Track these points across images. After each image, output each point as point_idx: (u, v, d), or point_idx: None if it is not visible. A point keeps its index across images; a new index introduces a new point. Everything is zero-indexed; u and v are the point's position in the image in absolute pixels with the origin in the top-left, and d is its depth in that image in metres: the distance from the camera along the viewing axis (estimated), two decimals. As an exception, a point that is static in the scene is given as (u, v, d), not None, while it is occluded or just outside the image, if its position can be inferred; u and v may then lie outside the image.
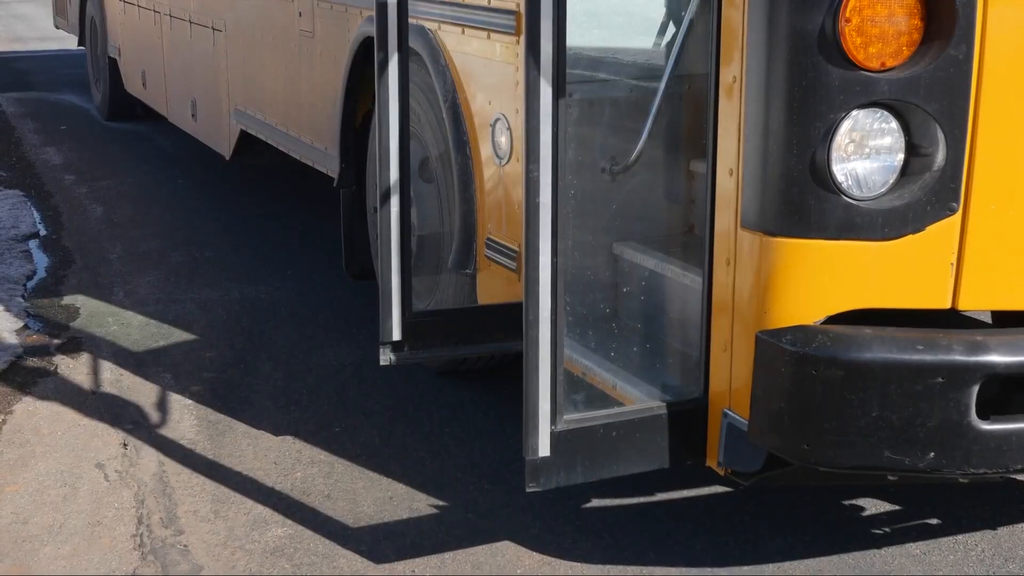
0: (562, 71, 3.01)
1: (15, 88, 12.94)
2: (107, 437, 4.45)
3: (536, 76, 2.97)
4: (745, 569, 3.56)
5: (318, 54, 5.79)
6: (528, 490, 3.18)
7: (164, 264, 6.63)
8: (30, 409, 4.70)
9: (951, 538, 3.75)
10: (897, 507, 3.94)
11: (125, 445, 4.38)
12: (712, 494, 4.01)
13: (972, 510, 3.91)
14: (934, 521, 3.86)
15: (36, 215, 7.75)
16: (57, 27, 13.37)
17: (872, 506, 3.94)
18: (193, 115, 8.11)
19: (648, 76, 4.05)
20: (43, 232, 7.37)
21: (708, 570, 3.55)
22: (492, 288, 4.42)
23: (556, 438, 3.16)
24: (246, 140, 7.10)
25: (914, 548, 3.69)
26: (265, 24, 6.57)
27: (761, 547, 3.68)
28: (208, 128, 7.85)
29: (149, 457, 4.29)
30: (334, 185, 5.54)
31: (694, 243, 3.75)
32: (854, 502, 3.96)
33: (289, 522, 3.83)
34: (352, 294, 5.96)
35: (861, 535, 3.77)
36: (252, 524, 3.82)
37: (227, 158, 7.43)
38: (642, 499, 3.97)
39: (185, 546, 3.69)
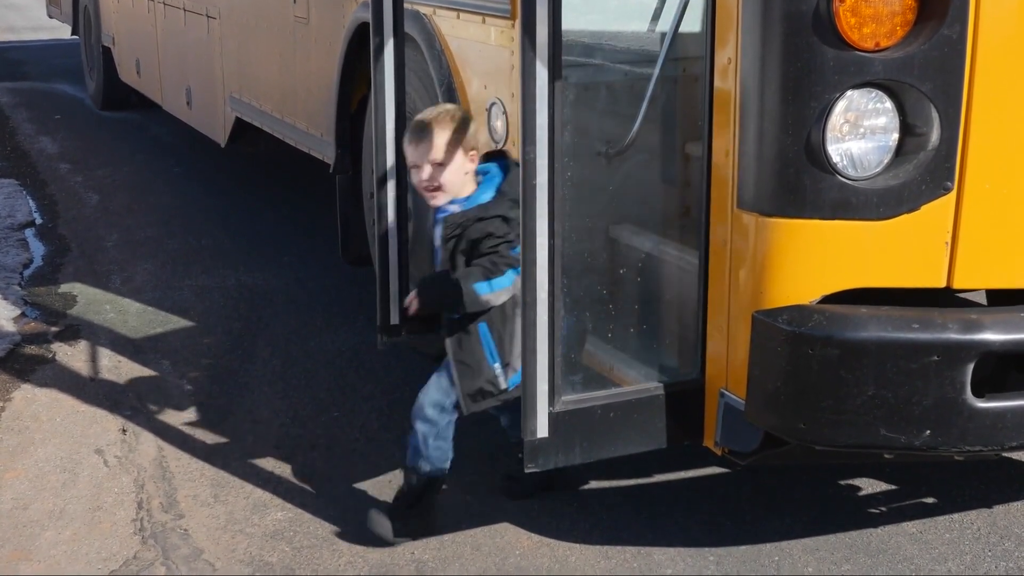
0: (558, 53, 3.02)
1: (9, 78, 12.93)
2: (106, 423, 4.47)
3: (532, 58, 2.98)
4: (743, 548, 3.58)
5: (313, 40, 5.79)
6: (527, 471, 3.20)
7: (161, 252, 6.64)
8: (29, 396, 4.72)
9: (947, 516, 3.77)
10: (893, 486, 3.96)
11: (124, 431, 4.40)
12: (709, 475, 4.03)
13: (968, 489, 3.93)
14: (930, 500, 3.88)
15: (32, 204, 7.76)
16: (51, 16, 13.35)
17: (868, 486, 3.96)
18: (188, 103, 8.11)
19: (643, 58, 4.05)
20: (39, 221, 7.38)
21: (706, 550, 3.57)
22: (489, 272, 4.42)
23: (554, 419, 3.17)
24: (241, 127, 7.10)
25: (910, 527, 3.71)
26: (259, 11, 6.57)
27: (758, 527, 3.70)
28: (203, 116, 7.85)
29: (148, 443, 4.30)
30: (330, 171, 5.55)
31: (690, 225, 3.76)
32: (850, 482, 3.98)
33: (289, 506, 3.84)
34: (349, 280, 5.98)
35: (858, 514, 3.79)
36: (252, 508, 3.83)
37: (222, 146, 7.44)
38: (639, 480, 3.98)
39: (185, 530, 3.71)
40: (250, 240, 6.84)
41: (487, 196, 3.48)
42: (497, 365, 3.49)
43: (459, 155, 3.47)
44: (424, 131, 3.46)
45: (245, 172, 8.50)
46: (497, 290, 3.41)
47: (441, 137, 3.45)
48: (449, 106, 3.64)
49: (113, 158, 9.08)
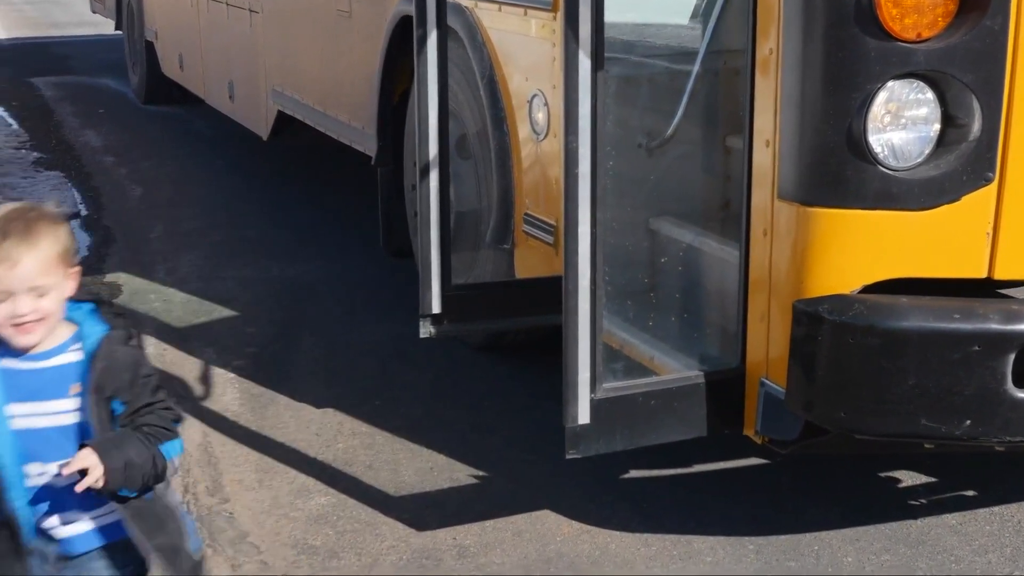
0: (600, 43, 3.05)
1: (54, 72, 13.06)
2: (152, 410, 4.53)
3: (575, 49, 3.01)
4: (783, 538, 3.60)
5: (355, 33, 5.84)
6: (568, 457, 3.22)
7: (204, 243, 6.72)
8: (76, 383, 4.79)
9: (987, 509, 3.77)
10: (933, 479, 3.96)
11: (170, 417, 4.46)
12: (749, 466, 4.04)
13: (1009, 481, 3.93)
14: (970, 493, 3.89)
15: (77, 195, 7.86)
16: (94, 12, 13.50)
17: (908, 478, 3.97)
18: (230, 96, 8.18)
19: (684, 52, 4.08)
20: (84, 212, 7.48)
21: (746, 539, 3.59)
22: (529, 263, 4.47)
23: (596, 406, 3.20)
24: (283, 120, 7.16)
25: (951, 519, 3.72)
26: (302, 4, 6.63)
27: (799, 517, 3.72)
28: (245, 109, 7.92)
29: (194, 428, 4.36)
30: (372, 164, 5.60)
31: (730, 217, 3.78)
32: (890, 474, 3.99)
33: (332, 491, 3.90)
34: (390, 272, 6.02)
35: (898, 506, 3.80)
36: (296, 493, 3.89)
37: (264, 139, 7.50)
38: (679, 470, 4.01)
39: (231, 513, 3.76)
40: (292, 232, 6.90)
41: (101, 326, 2.51)
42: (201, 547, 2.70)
43: (62, 273, 2.46)
44: (18, 245, 2.39)
45: (287, 165, 8.57)
46: (174, 456, 2.54)
47: (43, 251, 2.41)
48: (40, 205, 2.59)
49: (156, 151, 9.18)
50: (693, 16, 4.30)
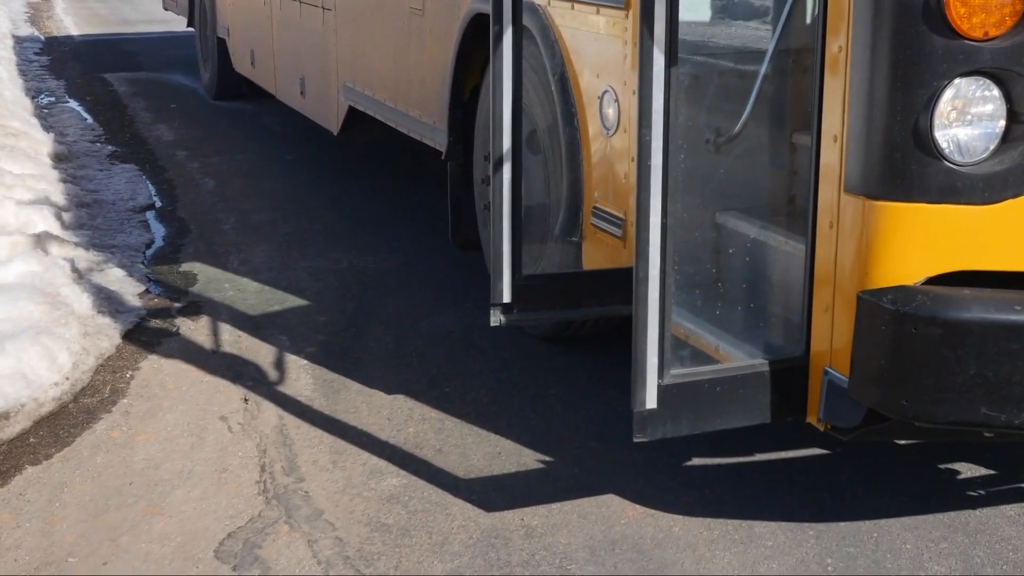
0: (674, 41, 3.14)
1: (126, 69, 13.34)
2: (229, 392, 4.69)
3: (650, 44, 3.11)
4: (842, 525, 3.68)
5: (428, 31, 5.96)
6: (635, 440, 3.32)
7: (276, 235, 6.88)
8: (156, 366, 4.96)
9: (1046, 501, 3.84)
10: (992, 471, 4.02)
11: (246, 400, 4.61)
12: (809, 455, 4.12)
13: (1068, 475, 3.99)
14: (1029, 485, 3.95)
15: (151, 188, 8.06)
16: (166, 9, 13.76)
17: (967, 470, 4.03)
18: (301, 92, 8.34)
19: (751, 51, 4.16)
20: (159, 204, 7.67)
21: (806, 525, 3.68)
22: (597, 255, 4.57)
23: (663, 391, 3.30)
24: (353, 116, 7.31)
25: (1009, 510, 3.78)
26: (374, 2, 6.77)
27: (858, 505, 3.79)
28: (316, 105, 8.07)
29: (269, 411, 4.51)
30: (442, 158, 5.72)
31: (795, 212, 3.86)
32: (949, 465, 4.05)
33: (403, 472, 4.02)
34: (458, 265, 6.15)
35: (957, 496, 3.86)
36: (368, 474, 4.02)
37: (335, 134, 7.65)
38: (741, 458, 4.10)
39: (306, 492, 3.90)
40: (362, 224, 7.05)
41: None
42: None
43: None
44: None
45: (355, 159, 8.74)
46: None
47: None
48: None
49: (227, 145, 9.37)
50: (752, 16, 4.39)
